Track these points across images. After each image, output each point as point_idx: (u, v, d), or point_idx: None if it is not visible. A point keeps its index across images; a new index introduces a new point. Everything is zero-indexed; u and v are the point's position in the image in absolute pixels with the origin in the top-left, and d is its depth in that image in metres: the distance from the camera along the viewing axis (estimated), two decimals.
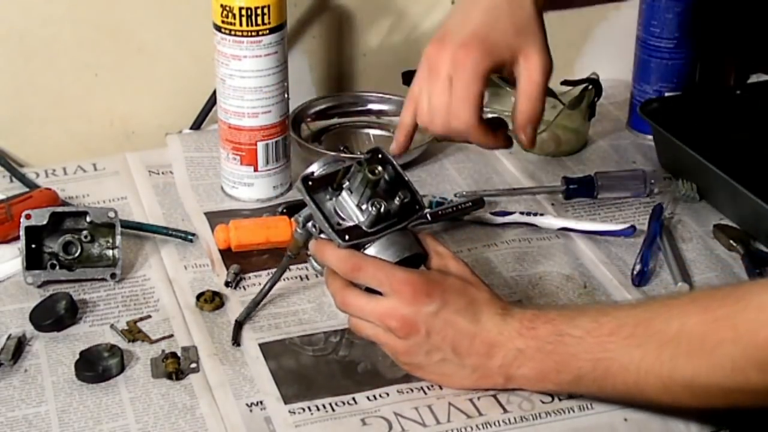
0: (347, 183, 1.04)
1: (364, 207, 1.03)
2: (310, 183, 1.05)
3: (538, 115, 1.10)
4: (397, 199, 1.03)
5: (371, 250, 1.04)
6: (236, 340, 1.11)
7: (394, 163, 1.06)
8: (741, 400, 0.92)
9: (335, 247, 1.03)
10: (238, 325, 1.13)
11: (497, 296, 1.04)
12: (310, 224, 1.07)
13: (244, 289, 1.19)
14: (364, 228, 1.03)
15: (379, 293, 1.02)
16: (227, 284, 1.19)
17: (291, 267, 1.14)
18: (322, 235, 1.06)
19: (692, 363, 0.92)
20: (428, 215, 1.29)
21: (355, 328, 1.05)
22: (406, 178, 1.06)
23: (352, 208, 1.04)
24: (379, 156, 1.06)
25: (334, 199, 1.05)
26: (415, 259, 1.05)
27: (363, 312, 1.03)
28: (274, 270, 1.16)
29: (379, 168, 1.04)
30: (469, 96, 1.08)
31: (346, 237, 1.03)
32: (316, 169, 1.06)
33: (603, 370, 0.96)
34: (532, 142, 1.12)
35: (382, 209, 1.03)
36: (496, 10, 1.10)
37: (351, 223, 1.04)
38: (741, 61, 1.55)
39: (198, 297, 1.17)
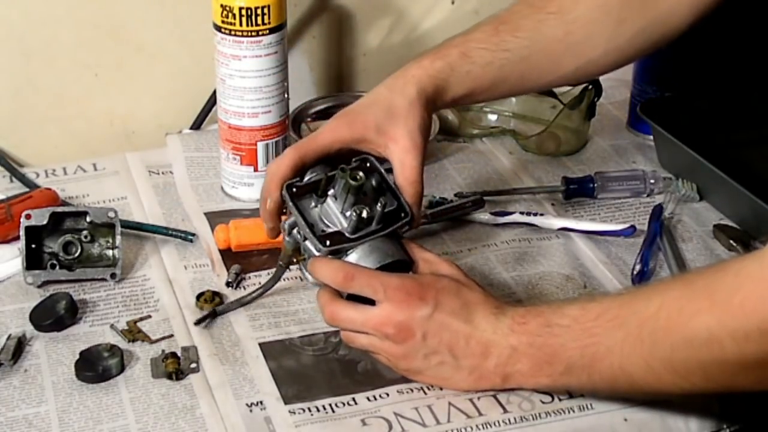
0: (332, 190, 1.05)
1: (347, 213, 1.04)
2: (294, 190, 1.06)
3: (421, 195, 1.10)
4: (379, 205, 1.04)
5: (353, 256, 1.04)
6: (200, 322, 1.12)
7: (382, 171, 1.07)
8: (719, 376, 0.91)
9: (327, 261, 1.04)
10: (213, 313, 1.13)
11: (491, 296, 1.04)
12: (295, 231, 1.08)
13: (244, 289, 1.19)
14: (346, 234, 1.04)
15: (366, 303, 1.02)
16: (228, 284, 1.19)
17: (291, 267, 1.14)
18: (306, 242, 1.06)
19: (670, 337, 0.91)
20: (428, 215, 1.29)
21: (349, 340, 1.05)
22: (393, 186, 1.07)
23: (336, 214, 1.05)
24: (367, 165, 1.06)
25: (319, 206, 1.06)
26: (398, 266, 1.05)
27: (354, 323, 1.03)
28: (274, 270, 1.16)
29: (361, 174, 1.04)
30: (291, 151, 1.10)
31: (327, 242, 1.04)
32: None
33: (590, 356, 0.96)
34: (418, 221, 1.11)
35: (363, 214, 1.03)
36: (377, 95, 1.13)
37: (334, 229, 1.04)
38: (741, 61, 1.55)
39: (198, 297, 1.17)
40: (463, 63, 1.14)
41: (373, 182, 1.05)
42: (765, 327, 0.86)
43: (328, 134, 1.11)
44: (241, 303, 1.15)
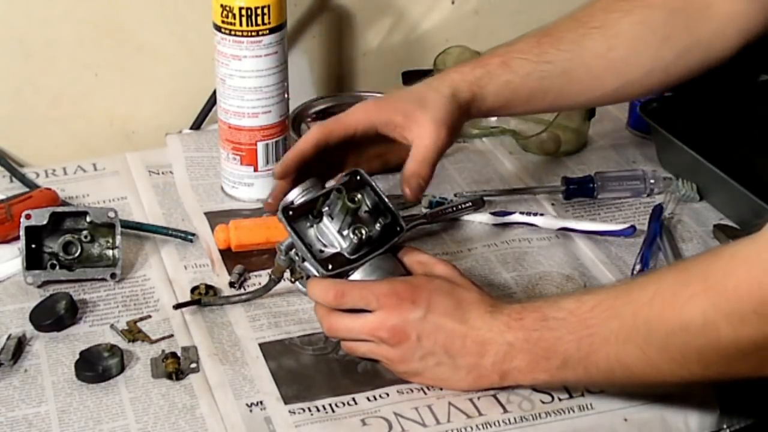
0: (327, 209, 1.05)
1: (345, 233, 1.04)
2: (290, 213, 1.06)
3: (427, 179, 1.11)
4: (378, 224, 1.04)
5: (355, 277, 1.05)
6: (179, 307, 1.14)
7: (374, 184, 1.07)
8: (716, 362, 0.90)
9: (318, 281, 1.05)
10: (197, 302, 1.14)
11: (487, 295, 1.04)
12: (292, 252, 1.08)
13: (245, 289, 1.19)
14: (346, 255, 1.04)
15: (364, 311, 1.03)
16: (232, 285, 1.19)
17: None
18: (305, 263, 1.06)
19: (666, 324, 0.91)
20: (428, 215, 1.29)
21: (349, 349, 1.06)
22: (386, 201, 1.07)
23: (333, 234, 1.05)
24: (358, 178, 1.06)
25: (315, 225, 1.06)
26: None
27: (352, 332, 1.04)
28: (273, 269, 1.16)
29: (359, 196, 1.05)
30: (317, 129, 1.12)
31: (329, 266, 1.04)
32: (296, 194, 1.07)
33: (586, 348, 0.96)
34: (416, 195, 1.11)
35: (363, 236, 1.03)
36: (412, 88, 1.16)
37: (333, 250, 1.05)
38: (741, 61, 1.55)
39: (192, 290, 1.17)
40: (502, 72, 1.15)
41: (367, 201, 1.05)
42: (760, 310, 0.85)
43: (356, 114, 1.12)
44: (228, 301, 1.16)
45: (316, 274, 1.05)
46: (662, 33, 1.16)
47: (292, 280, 1.11)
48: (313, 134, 1.10)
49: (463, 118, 1.14)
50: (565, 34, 1.17)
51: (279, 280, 1.14)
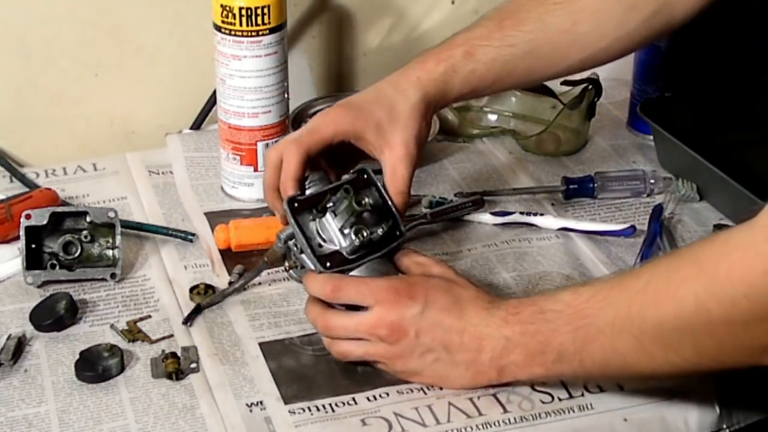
0: (332, 205, 1.05)
1: (346, 232, 1.05)
2: (295, 205, 1.06)
3: (406, 205, 1.10)
4: (381, 229, 1.04)
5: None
6: (188, 321, 1.13)
7: (379, 185, 1.08)
8: (708, 347, 0.90)
9: (314, 275, 1.05)
10: (198, 308, 1.14)
11: (484, 292, 1.04)
12: (291, 242, 1.08)
13: (245, 289, 1.19)
14: (345, 254, 1.05)
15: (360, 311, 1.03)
16: (231, 284, 1.19)
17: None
18: (303, 255, 1.06)
19: (659, 309, 0.91)
20: (428, 215, 1.29)
21: (342, 354, 1.05)
22: (390, 203, 1.07)
23: (334, 231, 1.05)
24: (365, 176, 1.07)
25: (317, 219, 1.06)
26: None
27: (348, 330, 1.03)
28: (272, 270, 1.16)
29: (366, 199, 1.05)
30: (295, 147, 1.10)
31: (327, 264, 1.04)
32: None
33: (582, 339, 0.96)
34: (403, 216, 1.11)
35: (364, 238, 1.04)
36: (380, 91, 1.13)
37: (332, 248, 1.05)
38: (741, 61, 1.55)
39: (191, 290, 1.18)
40: (467, 63, 1.14)
41: (371, 200, 1.05)
42: (751, 295, 0.85)
43: (330, 126, 1.11)
44: (224, 295, 1.16)
45: (312, 266, 1.05)
46: (627, 2, 1.16)
47: (287, 267, 1.10)
48: (294, 155, 1.09)
49: (430, 120, 1.15)
50: (526, 14, 1.16)
51: (272, 265, 1.14)
